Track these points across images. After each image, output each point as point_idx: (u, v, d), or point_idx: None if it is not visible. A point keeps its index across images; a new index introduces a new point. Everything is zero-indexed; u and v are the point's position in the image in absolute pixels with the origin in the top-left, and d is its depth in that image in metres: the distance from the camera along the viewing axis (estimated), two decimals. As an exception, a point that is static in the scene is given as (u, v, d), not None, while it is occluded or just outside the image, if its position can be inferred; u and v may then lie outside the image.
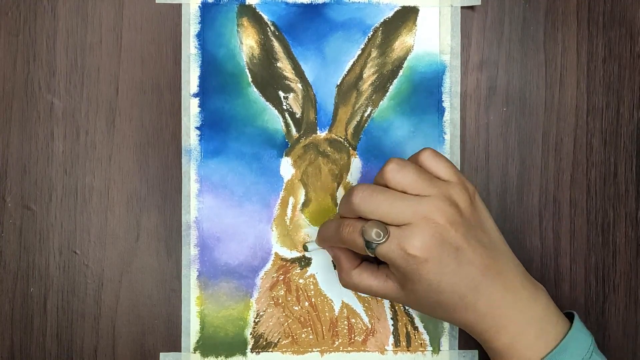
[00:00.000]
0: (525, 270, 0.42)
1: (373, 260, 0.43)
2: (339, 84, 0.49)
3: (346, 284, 0.43)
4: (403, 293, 0.40)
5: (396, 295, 0.41)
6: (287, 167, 0.48)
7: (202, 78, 0.48)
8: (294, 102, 0.48)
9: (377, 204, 0.38)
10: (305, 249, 0.46)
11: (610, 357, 0.49)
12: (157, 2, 0.48)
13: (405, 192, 0.39)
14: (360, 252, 0.40)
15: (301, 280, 0.48)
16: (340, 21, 0.49)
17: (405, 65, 0.49)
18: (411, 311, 0.48)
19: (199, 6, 0.48)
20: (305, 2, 0.48)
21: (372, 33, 0.49)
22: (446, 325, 0.48)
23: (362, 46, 0.49)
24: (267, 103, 0.48)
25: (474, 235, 0.39)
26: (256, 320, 0.48)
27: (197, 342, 0.48)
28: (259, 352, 0.48)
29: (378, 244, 0.38)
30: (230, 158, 0.48)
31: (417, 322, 0.48)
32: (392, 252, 0.38)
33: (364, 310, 0.48)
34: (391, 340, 0.48)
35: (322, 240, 0.44)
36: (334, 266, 0.48)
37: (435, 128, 0.49)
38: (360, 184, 0.41)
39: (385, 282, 0.41)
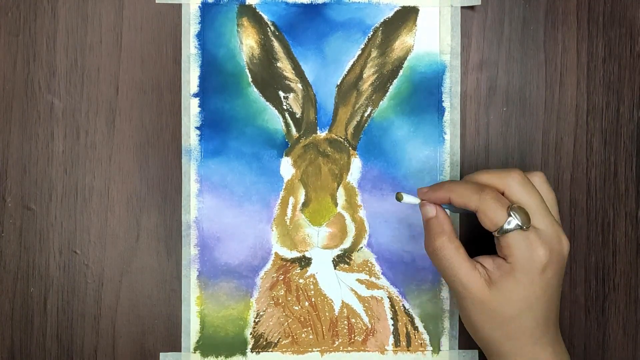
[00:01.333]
0: None
1: None
2: (339, 84, 0.48)
3: (431, 247, 0.40)
4: (487, 291, 0.38)
5: (474, 290, 0.38)
6: (287, 167, 0.48)
7: (202, 78, 0.48)
8: (294, 102, 0.48)
9: (531, 195, 0.38)
10: (398, 198, 0.41)
11: (610, 357, 0.49)
12: (157, 2, 0.48)
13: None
14: (484, 222, 0.38)
15: (301, 280, 0.48)
16: (340, 21, 0.49)
17: (405, 65, 0.49)
18: (411, 311, 0.48)
19: (199, 6, 0.48)
20: (305, 2, 0.48)
21: (372, 33, 0.49)
22: (446, 325, 0.48)
23: (362, 46, 0.48)
24: (267, 103, 0.48)
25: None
26: (256, 320, 0.48)
27: (197, 342, 0.48)
28: (259, 352, 0.48)
29: (516, 228, 0.37)
30: (230, 158, 0.48)
31: (417, 322, 0.48)
32: (520, 243, 0.37)
33: (364, 310, 0.48)
34: (391, 340, 0.48)
35: (442, 190, 0.40)
36: (334, 266, 0.48)
37: (435, 128, 0.49)
38: (515, 169, 0.39)
39: (472, 271, 0.38)
